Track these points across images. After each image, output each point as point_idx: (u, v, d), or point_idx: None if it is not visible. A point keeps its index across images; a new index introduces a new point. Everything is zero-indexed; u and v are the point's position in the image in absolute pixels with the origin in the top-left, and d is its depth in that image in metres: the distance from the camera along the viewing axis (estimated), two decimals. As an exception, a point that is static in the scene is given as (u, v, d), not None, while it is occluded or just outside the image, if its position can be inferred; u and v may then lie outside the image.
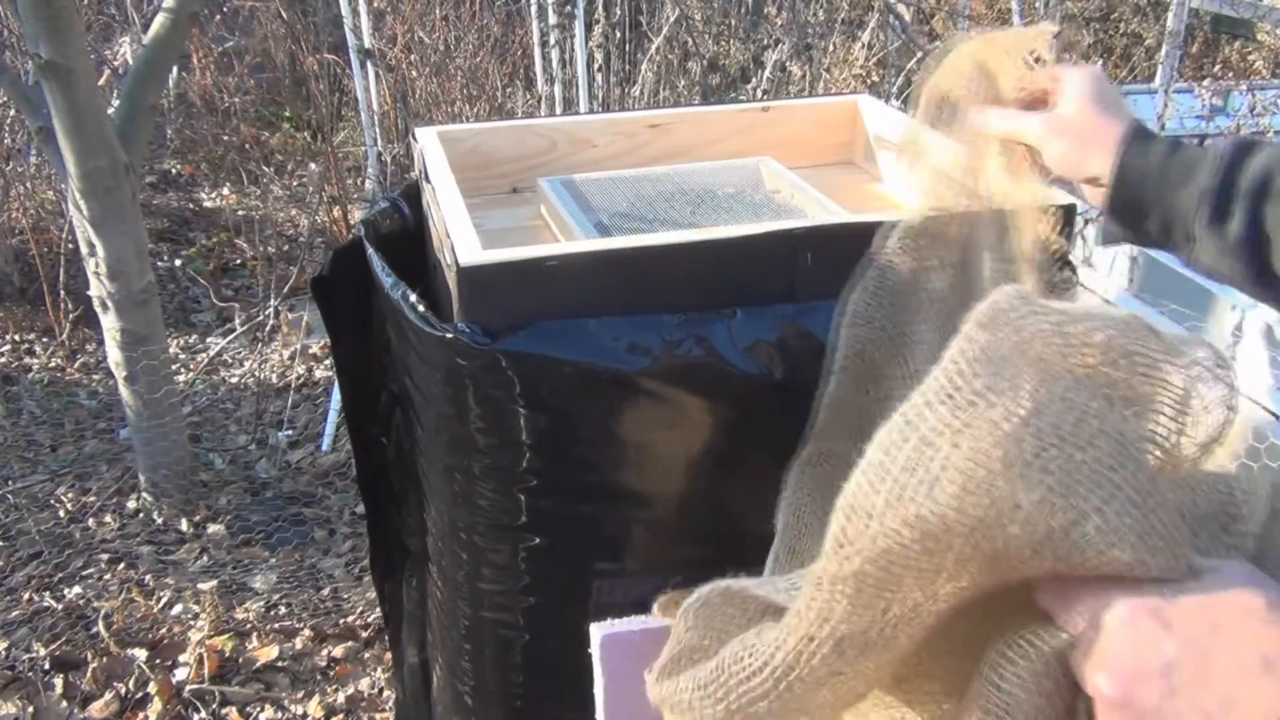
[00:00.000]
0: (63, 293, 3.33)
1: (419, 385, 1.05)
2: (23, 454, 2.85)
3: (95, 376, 3.25)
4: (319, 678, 2.09)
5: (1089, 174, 0.84)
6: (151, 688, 2.01)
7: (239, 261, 4.04)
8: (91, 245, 2.32)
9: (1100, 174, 0.83)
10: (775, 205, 1.21)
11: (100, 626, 2.12)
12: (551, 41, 3.55)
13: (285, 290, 3.26)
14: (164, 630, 2.17)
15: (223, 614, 2.20)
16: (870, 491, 0.50)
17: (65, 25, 2.09)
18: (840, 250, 0.88)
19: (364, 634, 2.18)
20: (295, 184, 4.62)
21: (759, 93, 3.78)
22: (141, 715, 1.97)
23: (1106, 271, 3.51)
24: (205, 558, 2.43)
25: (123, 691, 2.02)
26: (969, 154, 0.87)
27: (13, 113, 3.65)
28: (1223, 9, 3.60)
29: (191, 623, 2.19)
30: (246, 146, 4.83)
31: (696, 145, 1.39)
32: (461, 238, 0.98)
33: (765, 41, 3.96)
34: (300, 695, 2.04)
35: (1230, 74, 5.03)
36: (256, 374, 3.21)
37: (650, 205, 1.20)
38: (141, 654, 2.09)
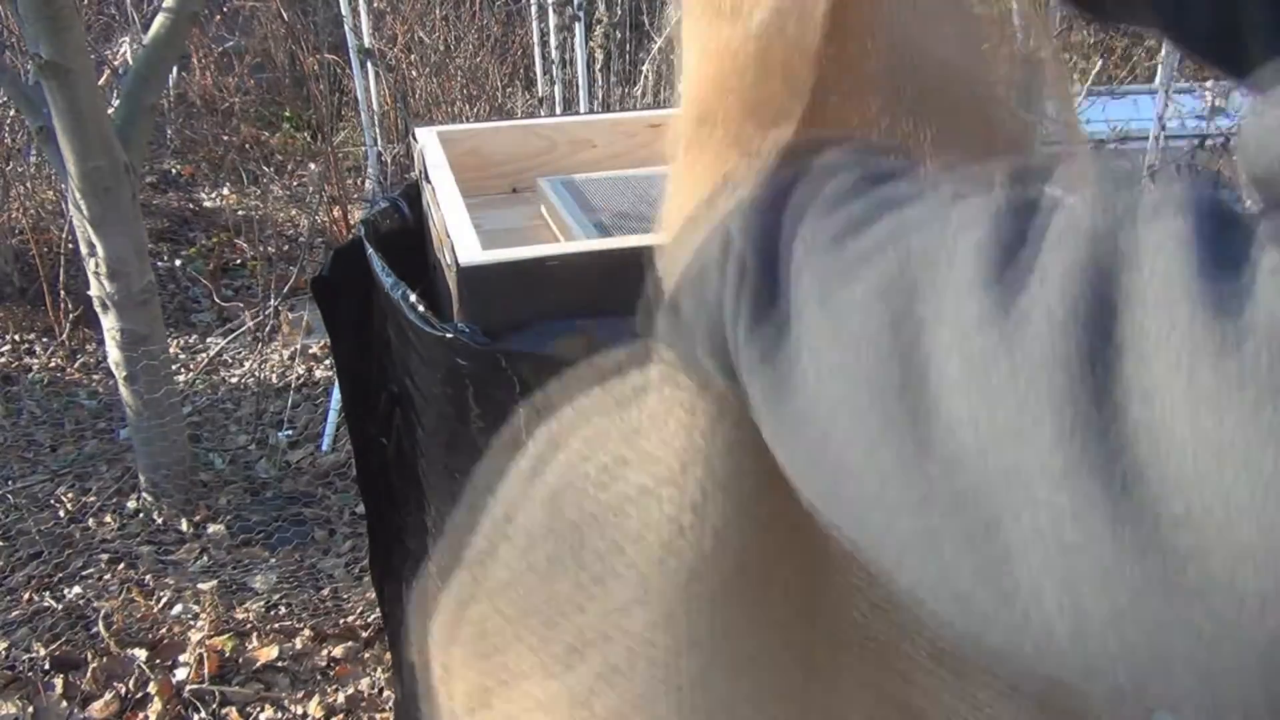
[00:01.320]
0: (63, 293, 3.33)
1: (419, 385, 1.05)
2: (23, 454, 2.85)
3: (95, 376, 3.26)
4: (319, 678, 2.09)
5: None
6: (151, 688, 2.00)
7: (239, 261, 4.04)
8: (91, 245, 2.32)
9: None
10: (775, 205, 1.21)
11: (100, 626, 2.12)
12: (552, 42, 3.55)
13: (285, 290, 3.26)
14: (164, 630, 2.17)
15: (223, 614, 2.19)
16: None
17: (65, 25, 2.09)
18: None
19: (364, 634, 2.18)
20: (295, 184, 4.62)
21: (759, 93, 3.77)
22: (141, 715, 1.97)
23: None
24: (205, 558, 2.43)
25: (123, 691, 2.02)
26: None
27: (13, 113, 3.65)
28: (1223, 9, 3.59)
29: (191, 623, 2.19)
30: (246, 146, 4.83)
31: (697, 145, 1.38)
32: (461, 238, 0.98)
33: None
34: (300, 695, 2.04)
35: (1230, 74, 5.03)
36: (256, 374, 3.21)
37: (650, 205, 1.20)
38: (141, 654, 2.09)
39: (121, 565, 2.37)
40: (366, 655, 2.14)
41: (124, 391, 2.49)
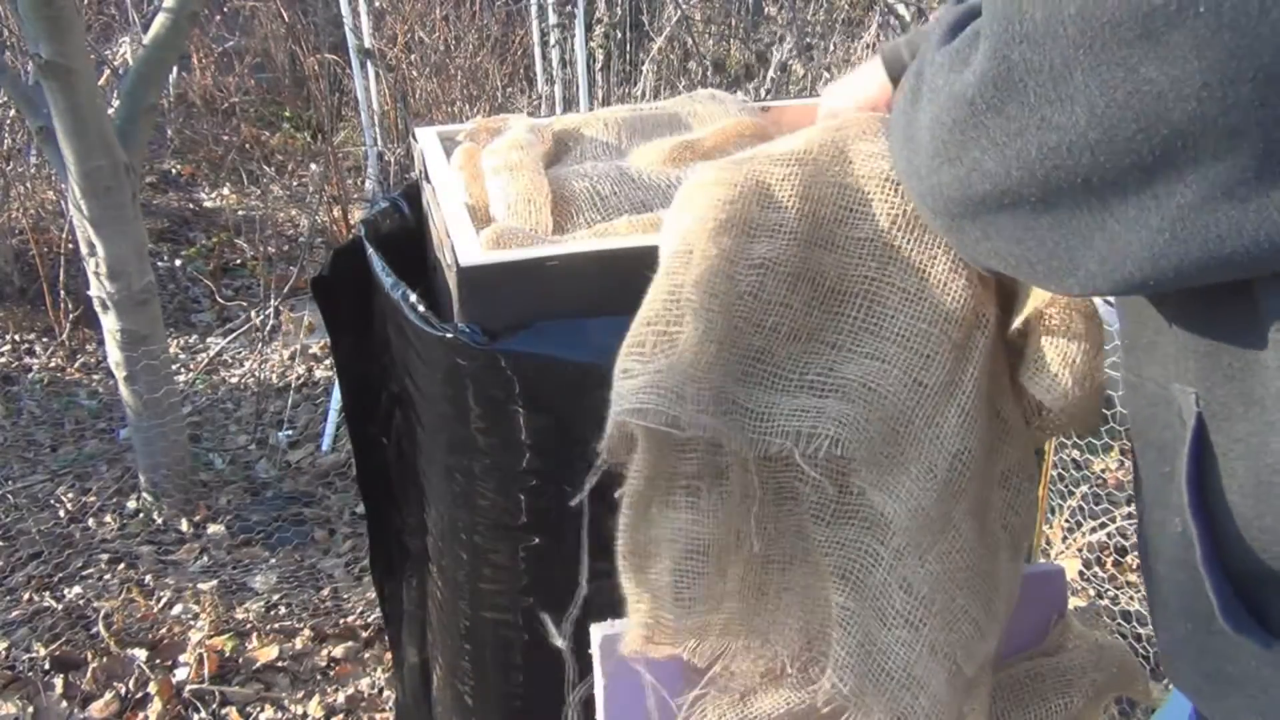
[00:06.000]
0: (63, 293, 3.33)
1: (419, 385, 1.05)
2: (23, 454, 2.85)
3: (95, 376, 3.26)
4: (319, 678, 2.09)
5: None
6: (151, 688, 2.01)
7: (239, 261, 4.05)
8: (91, 245, 2.32)
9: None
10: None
11: (100, 626, 2.12)
12: (551, 41, 3.55)
13: (285, 290, 3.26)
14: (164, 630, 2.17)
15: (223, 614, 2.20)
16: None
17: (65, 25, 2.09)
18: (840, 250, 0.87)
19: (364, 634, 2.18)
20: (295, 184, 4.62)
21: (762, 91, 3.78)
22: (141, 715, 1.97)
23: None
24: (205, 558, 2.43)
25: (123, 691, 2.02)
26: None
27: (13, 113, 3.65)
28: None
29: (191, 623, 2.19)
30: (246, 146, 4.83)
31: (696, 145, 1.38)
32: (461, 238, 0.98)
33: (767, 40, 3.96)
34: (300, 695, 2.04)
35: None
36: (256, 374, 3.21)
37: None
38: (141, 654, 2.09)
39: (121, 565, 2.37)
40: (366, 655, 2.14)
41: (124, 391, 2.49)
